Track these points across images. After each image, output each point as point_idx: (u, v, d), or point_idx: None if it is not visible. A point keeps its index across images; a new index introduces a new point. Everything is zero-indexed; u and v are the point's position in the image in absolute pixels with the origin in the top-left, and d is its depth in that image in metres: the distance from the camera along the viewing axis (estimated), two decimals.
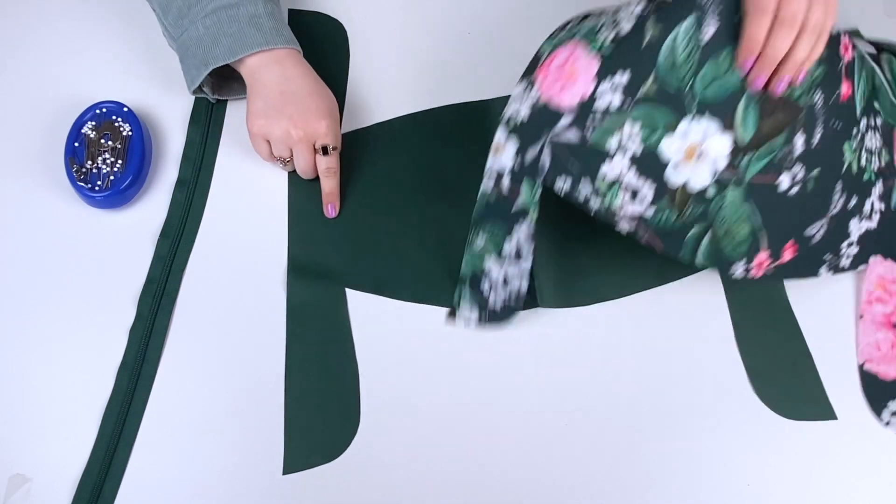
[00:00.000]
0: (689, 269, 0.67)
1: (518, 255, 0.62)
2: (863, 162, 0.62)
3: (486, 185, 0.62)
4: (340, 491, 0.60)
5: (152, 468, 0.60)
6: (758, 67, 0.54)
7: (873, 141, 0.63)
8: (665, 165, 0.56)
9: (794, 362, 0.64)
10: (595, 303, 0.66)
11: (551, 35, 0.59)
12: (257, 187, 0.70)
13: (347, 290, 0.66)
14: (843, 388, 0.64)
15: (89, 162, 0.67)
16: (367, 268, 0.67)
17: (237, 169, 0.71)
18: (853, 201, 0.62)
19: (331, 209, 0.68)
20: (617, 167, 0.57)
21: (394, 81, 0.75)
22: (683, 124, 0.55)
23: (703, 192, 0.57)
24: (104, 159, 0.67)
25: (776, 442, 0.62)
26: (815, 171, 0.58)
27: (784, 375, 0.64)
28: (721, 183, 0.57)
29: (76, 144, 0.68)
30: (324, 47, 0.76)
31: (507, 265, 0.62)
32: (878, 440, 0.62)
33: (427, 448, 0.61)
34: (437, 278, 0.67)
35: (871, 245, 0.65)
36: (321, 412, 0.62)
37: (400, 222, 0.69)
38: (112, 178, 0.67)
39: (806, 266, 0.62)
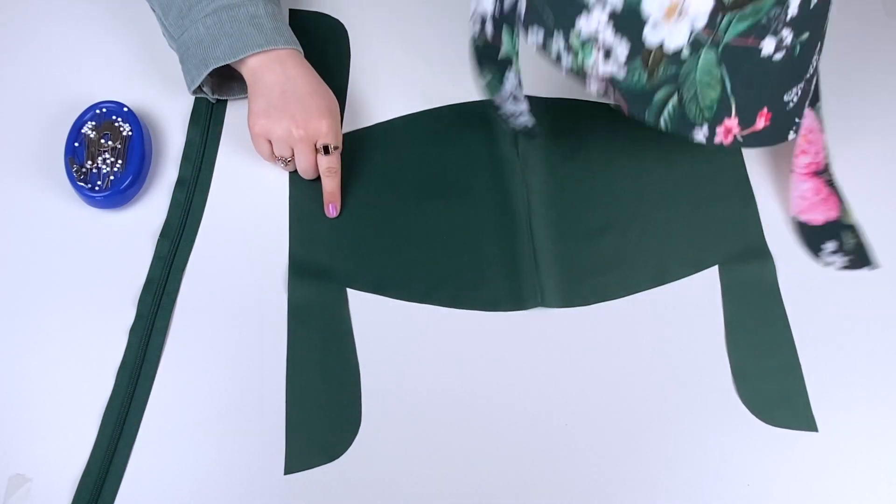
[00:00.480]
0: (687, 270, 0.67)
1: (515, 98, 0.62)
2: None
3: (474, 29, 0.60)
4: (342, 491, 0.60)
5: (152, 468, 0.60)
6: None
7: None
8: (644, 23, 0.54)
9: (781, 370, 0.64)
10: (596, 302, 0.66)
11: None
12: (258, 187, 0.70)
13: (348, 290, 0.66)
14: (829, 400, 0.63)
15: (89, 162, 0.67)
16: (368, 268, 0.67)
17: (237, 169, 0.71)
18: (819, 57, 0.61)
19: (332, 209, 0.68)
20: (594, 22, 0.54)
21: (395, 81, 0.75)
22: None
23: (677, 52, 0.55)
24: (104, 159, 0.67)
25: (767, 445, 0.62)
26: (805, 35, 0.57)
27: (769, 382, 0.64)
28: (697, 43, 0.55)
29: (76, 144, 0.68)
30: (325, 47, 0.76)
31: (511, 102, 0.63)
32: (858, 453, 0.62)
33: (428, 448, 0.61)
34: (438, 278, 0.67)
35: (811, 97, 0.65)
36: (322, 412, 0.62)
37: (401, 222, 0.69)
38: (112, 178, 0.67)
39: (777, 132, 0.61)
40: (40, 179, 0.70)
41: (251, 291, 0.66)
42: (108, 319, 0.65)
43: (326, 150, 0.66)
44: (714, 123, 0.59)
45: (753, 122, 0.60)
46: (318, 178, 0.69)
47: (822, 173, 0.67)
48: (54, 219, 0.68)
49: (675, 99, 0.58)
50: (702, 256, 0.68)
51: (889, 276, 0.68)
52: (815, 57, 0.60)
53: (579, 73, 0.57)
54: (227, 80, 0.71)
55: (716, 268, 0.68)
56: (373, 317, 0.65)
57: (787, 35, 0.56)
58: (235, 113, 0.73)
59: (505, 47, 0.58)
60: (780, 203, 0.70)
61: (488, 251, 0.67)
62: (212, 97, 0.70)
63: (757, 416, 0.62)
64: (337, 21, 0.78)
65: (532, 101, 0.73)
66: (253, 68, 0.65)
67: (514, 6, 0.56)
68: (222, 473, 0.60)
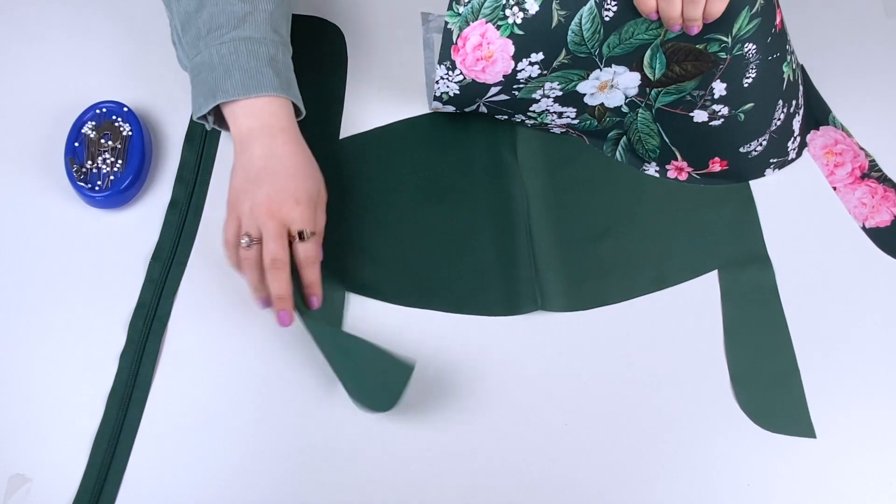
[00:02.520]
0: (687, 274, 0.68)
1: None
2: (794, 65, 0.67)
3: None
4: (341, 491, 0.60)
5: (151, 479, 0.60)
6: (665, 24, 0.59)
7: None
8: (583, 96, 0.67)
9: (780, 376, 0.64)
10: (595, 307, 0.66)
11: (452, 5, 0.61)
12: None
13: (348, 294, 0.66)
14: (828, 407, 0.63)
15: (89, 162, 0.67)
16: (365, 273, 0.67)
17: None
18: (793, 104, 0.68)
19: (315, 301, 0.61)
20: (543, 105, 0.68)
21: (392, 86, 0.75)
22: (595, 73, 0.65)
23: (618, 107, 0.68)
24: (104, 159, 0.67)
25: (766, 448, 0.62)
26: (748, 106, 0.65)
27: (768, 388, 0.64)
28: (633, 104, 0.67)
29: (76, 144, 0.68)
30: (322, 52, 0.75)
31: None
32: (857, 459, 0.62)
33: (428, 451, 0.61)
34: (437, 283, 0.67)
35: (804, 126, 0.71)
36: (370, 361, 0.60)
37: (400, 227, 0.69)
38: (112, 177, 0.67)
39: (748, 172, 0.71)
40: (40, 179, 0.69)
41: (244, 316, 0.65)
42: (106, 318, 0.65)
43: (301, 236, 0.59)
44: (662, 162, 0.70)
45: (706, 166, 0.69)
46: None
47: (870, 174, 0.70)
48: (54, 219, 0.68)
49: (624, 139, 0.70)
50: (701, 261, 0.68)
51: (889, 282, 0.68)
52: (780, 112, 0.66)
53: (541, 126, 0.71)
54: None
55: (715, 273, 0.68)
56: (372, 322, 0.65)
57: (721, 108, 0.65)
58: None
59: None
60: (781, 208, 0.70)
61: (487, 256, 0.67)
62: (209, 126, 0.64)
63: (755, 421, 0.63)
64: (334, 25, 0.77)
65: None
66: (242, 133, 0.60)
67: (475, 111, 0.70)
68: (222, 487, 0.60)
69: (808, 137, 0.72)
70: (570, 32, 0.60)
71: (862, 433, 0.63)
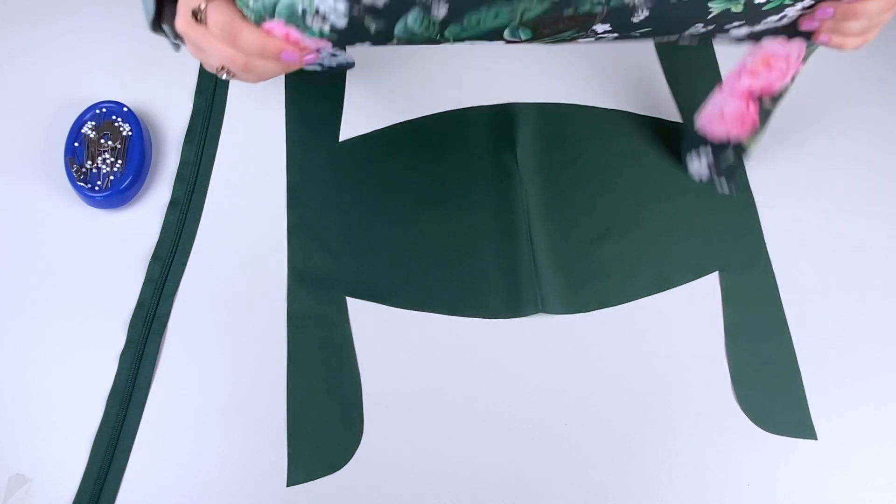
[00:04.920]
0: (687, 276, 0.67)
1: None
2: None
3: None
4: (345, 502, 0.60)
5: (149, 485, 0.60)
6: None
7: None
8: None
9: (781, 377, 0.64)
10: (596, 309, 0.66)
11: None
12: (253, 209, 0.69)
13: (348, 298, 0.66)
14: (828, 408, 0.63)
15: (89, 162, 0.67)
16: (366, 276, 0.67)
17: (232, 189, 0.70)
18: None
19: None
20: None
21: (391, 89, 0.75)
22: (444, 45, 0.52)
23: None
24: (104, 159, 0.67)
25: (767, 449, 0.62)
26: None
27: (768, 389, 0.64)
28: None
29: (76, 144, 0.68)
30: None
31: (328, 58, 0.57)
32: (857, 460, 0.62)
33: (431, 456, 0.61)
34: (438, 285, 0.67)
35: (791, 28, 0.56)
36: (324, 423, 0.62)
37: (400, 230, 0.69)
38: (112, 177, 0.67)
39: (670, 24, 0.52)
40: (40, 179, 0.70)
41: (244, 315, 0.65)
42: (106, 318, 0.65)
43: (196, 16, 0.49)
44: None
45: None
46: (319, 189, 0.68)
47: (766, 99, 0.59)
48: (54, 219, 0.68)
49: None
50: (702, 262, 0.68)
51: (890, 283, 0.68)
52: None
53: None
54: None
55: (716, 274, 0.68)
56: (372, 325, 0.65)
57: None
58: (231, 131, 0.72)
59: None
60: (781, 209, 0.70)
61: (487, 258, 0.67)
62: (172, 38, 0.55)
63: (756, 423, 0.63)
64: None
65: (526, 106, 0.73)
66: None
67: None
68: (223, 487, 0.60)
69: (769, 40, 0.56)
70: (395, 32, 0.49)
71: (862, 433, 0.63)
